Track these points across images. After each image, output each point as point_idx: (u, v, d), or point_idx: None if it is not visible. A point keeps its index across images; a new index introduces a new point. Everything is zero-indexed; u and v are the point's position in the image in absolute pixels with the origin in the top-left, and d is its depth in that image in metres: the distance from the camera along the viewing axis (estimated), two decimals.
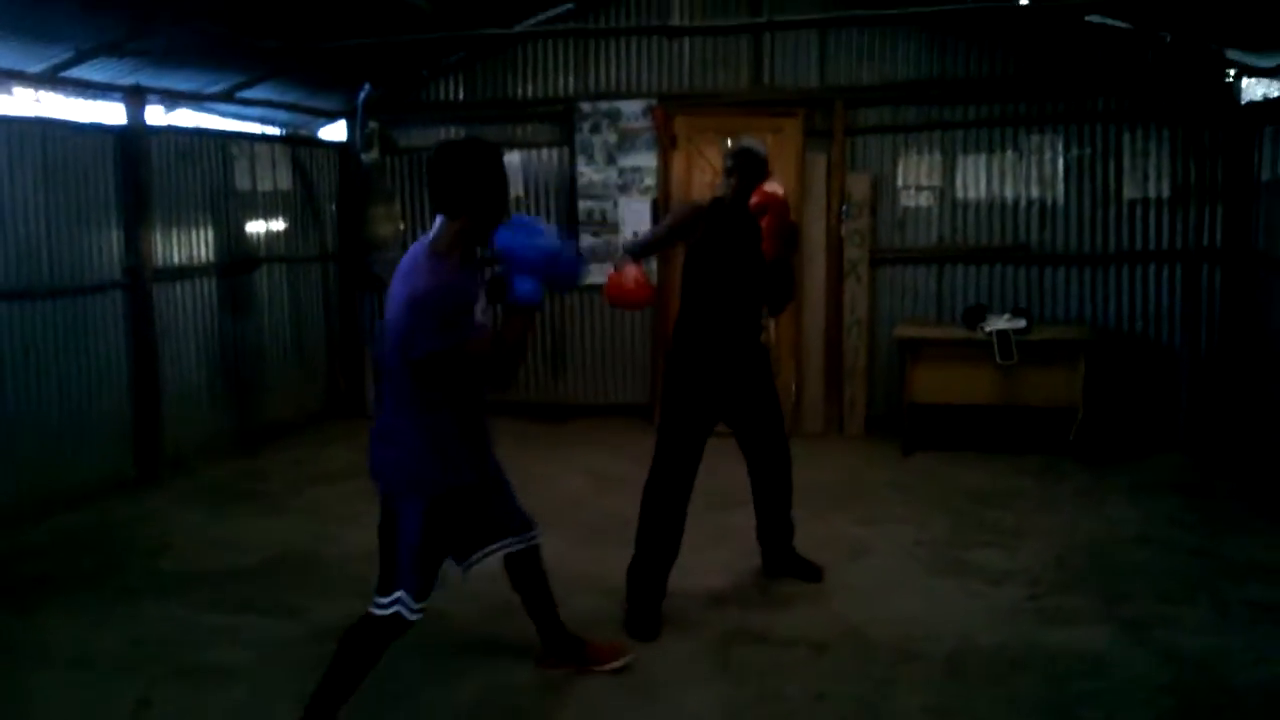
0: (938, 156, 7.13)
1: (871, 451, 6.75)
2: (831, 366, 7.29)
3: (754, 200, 3.94)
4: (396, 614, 2.96)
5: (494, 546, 3.24)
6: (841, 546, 4.79)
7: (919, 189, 7.18)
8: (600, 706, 3.41)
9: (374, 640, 3.00)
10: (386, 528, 3.00)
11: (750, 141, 4.22)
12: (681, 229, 4.17)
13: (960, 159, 7.10)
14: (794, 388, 7.16)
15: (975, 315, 6.64)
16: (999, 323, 6.45)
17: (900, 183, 7.21)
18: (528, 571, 3.47)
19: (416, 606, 2.98)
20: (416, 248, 2.95)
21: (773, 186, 3.98)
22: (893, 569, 4.63)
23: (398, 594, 2.95)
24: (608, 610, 4.08)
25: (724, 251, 4.07)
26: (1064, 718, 3.28)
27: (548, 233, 2.85)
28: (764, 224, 3.95)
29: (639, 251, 4.21)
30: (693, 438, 4.06)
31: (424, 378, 2.85)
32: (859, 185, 7.16)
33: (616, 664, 3.62)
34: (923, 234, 7.19)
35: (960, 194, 7.12)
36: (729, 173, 4.12)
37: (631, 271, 3.97)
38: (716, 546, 4.74)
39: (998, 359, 6.29)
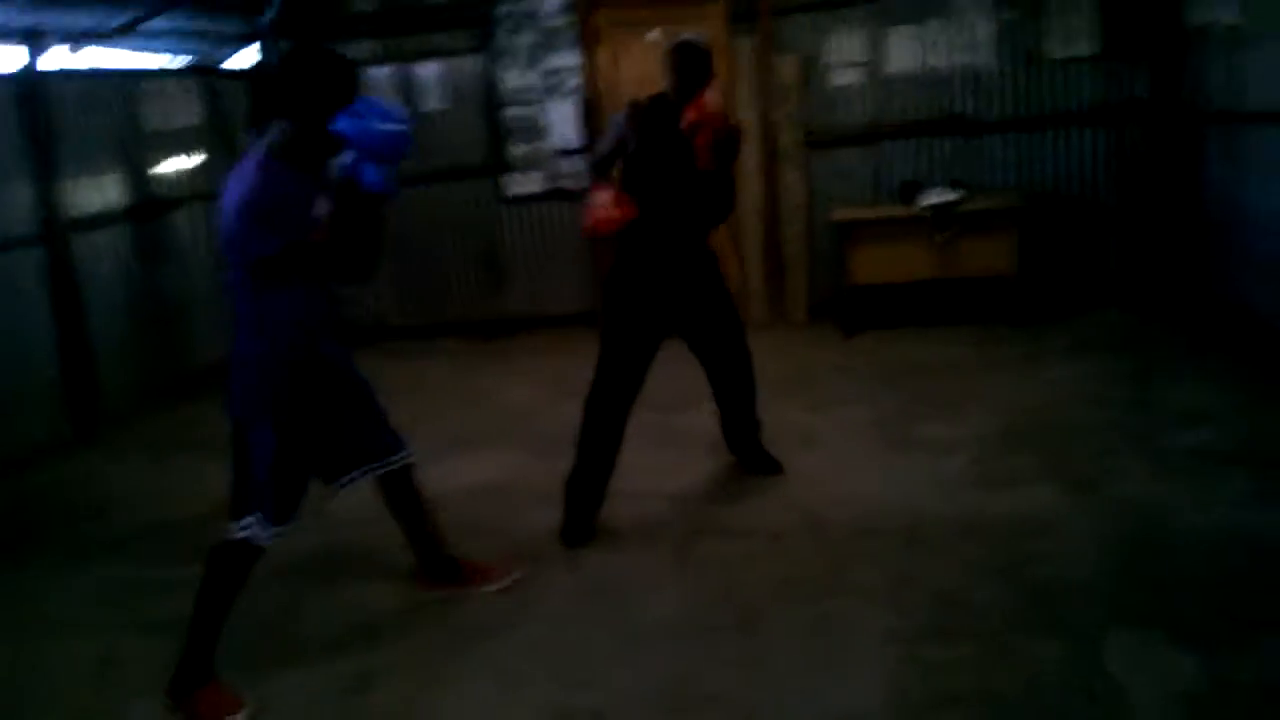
0: (865, 32, 7.00)
1: (815, 336, 6.78)
2: (771, 255, 7.26)
3: (689, 118, 3.77)
4: (247, 539, 2.96)
5: (365, 468, 3.24)
6: (791, 433, 4.83)
7: (849, 66, 7.07)
8: (564, 613, 3.44)
9: (230, 566, 2.99)
10: (239, 449, 2.99)
11: (691, 35, 3.99)
12: (628, 136, 3.99)
13: (889, 31, 6.97)
14: (734, 278, 7.13)
15: (911, 191, 6.63)
16: (934, 197, 6.44)
17: (830, 62, 7.08)
18: (401, 492, 3.42)
19: (271, 530, 2.97)
20: (253, 150, 2.88)
21: (710, 100, 3.82)
22: (843, 451, 4.69)
23: (249, 518, 2.95)
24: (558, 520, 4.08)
25: (662, 156, 3.92)
26: (1017, 577, 3.36)
27: (396, 115, 2.75)
28: (699, 141, 3.80)
29: (598, 171, 4.09)
30: (636, 351, 3.97)
31: (261, 281, 2.84)
32: (788, 68, 7.04)
33: (497, 585, 3.59)
34: (855, 113, 7.10)
35: (891, 68, 7.02)
36: (669, 71, 3.90)
37: (602, 195, 3.88)
38: (667, 447, 4.77)
39: (934, 232, 6.30)
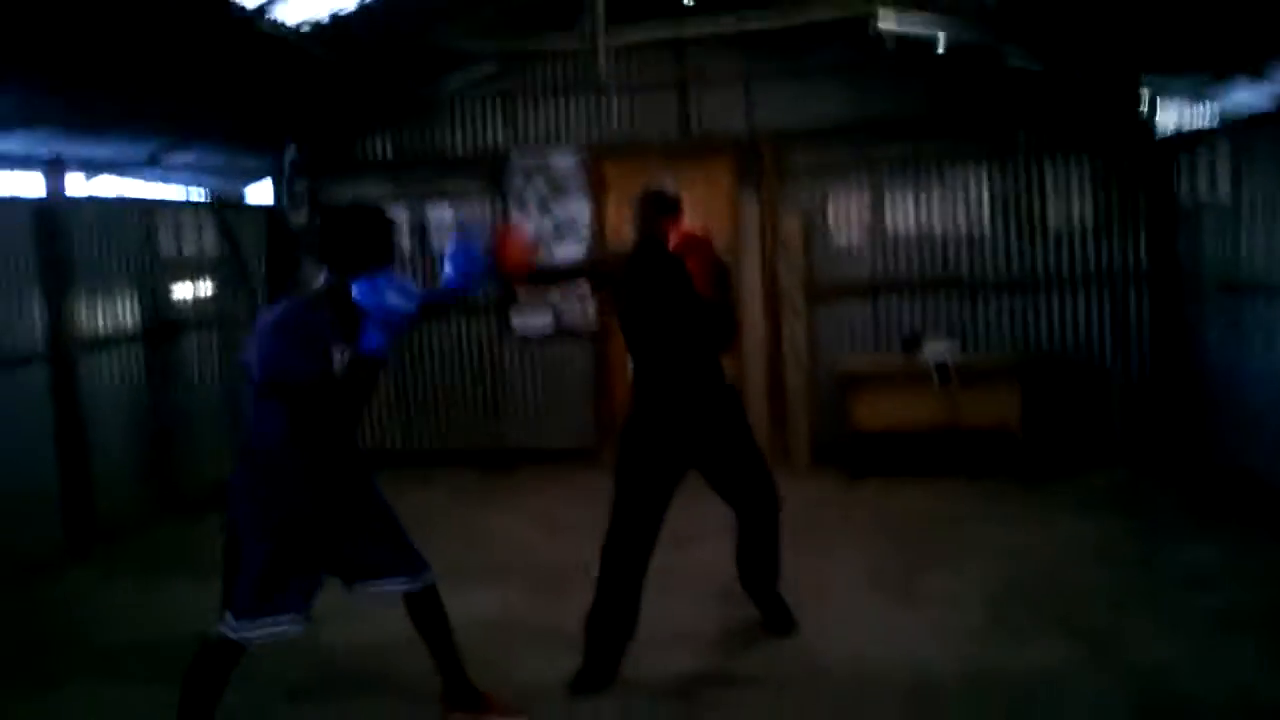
0: (867, 194, 7.24)
1: (819, 481, 6.74)
2: (775, 401, 7.32)
3: (674, 243, 3.83)
4: (227, 637, 3.05)
5: (385, 581, 3.34)
6: (795, 578, 4.73)
7: (850, 226, 7.28)
8: None
9: (210, 663, 3.07)
10: (231, 549, 3.11)
11: (656, 183, 4.04)
12: (593, 270, 4.11)
13: (889, 195, 7.21)
14: None
15: (912, 343, 6.73)
16: (937, 348, 6.54)
17: (832, 221, 7.30)
18: (426, 613, 3.46)
19: (253, 632, 3.04)
20: (306, 290, 3.23)
21: (690, 225, 3.87)
22: (847, 599, 4.61)
23: (230, 617, 3.06)
24: (560, 664, 3.95)
25: (655, 297, 3.90)
26: None
27: (408, 292, 3.01)
28: (691, 266, 3.80)
29: (540, 275, 4.21)
30: (655, 496, 3.86)
31: (276, 401, 3.04)
32: (791, 224, 7.24)
33: None
34: (856, 269, 7.28)
35: (891, 229, 7.23)
36: (640, 216, 3.98)
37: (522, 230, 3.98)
38: (669, 588, 4.67)
39: (936, 383, 6.37)
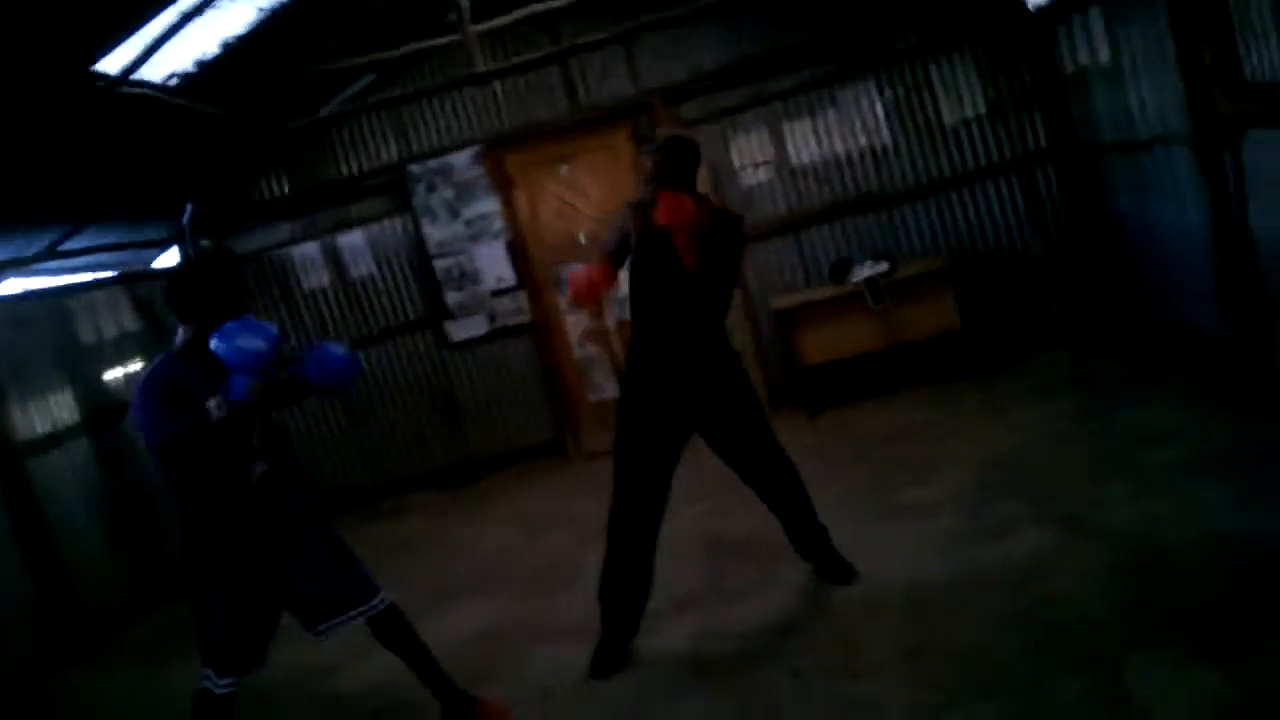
0: (766, 131, 7.29)
1: (781, 421, 6.78)
2: None
3: (657, 221, 3.69)
4: (208, 689, 3.19)
5: (341, 617, 3.39)
6: (775, 520, 4.83)
7: (756, 166, 7.34)
8: None
9: (200, 711, 3.21)
10: (193, 596, 3.23)
11: (672, 130, 3.96)
12: (629, 232, 3.85)
13: (787, 128, 7.27)
14: None
15: (841, 269, 6.81)
16: (864, 271, 6.63)
17: (737, 164, 7.35)
18: (393, 634, 3.51)
19: (225, 681, 3.19)
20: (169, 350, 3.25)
21: (674, 199, 3.67)
22: (833, 528, 4.66)
23: (208, 669, 3.21)
24: (565, 654, 4.03)
25: (655, 258, 3.80)
26: (1031, 623, 3.38)
27: (262, 333, 3.06)
28: (677, 242, 3.71)
29: (613, 264, 3.93)
30: (652, 459, 3.85)
31: (165, 465, 3.15)
32: (698, 176, 7.25)
33: None
34: (770, 207, 7.34)
35: (796, 161, 7.29)
36: (652, 171, 3.82)
37: (578, 267, 3.84)
38: (666, 550, 4.73)
39: (871, 305, 6.47)
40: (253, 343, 3.02)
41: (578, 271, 3.84)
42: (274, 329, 3.12)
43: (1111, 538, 3.83)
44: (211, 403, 3.10)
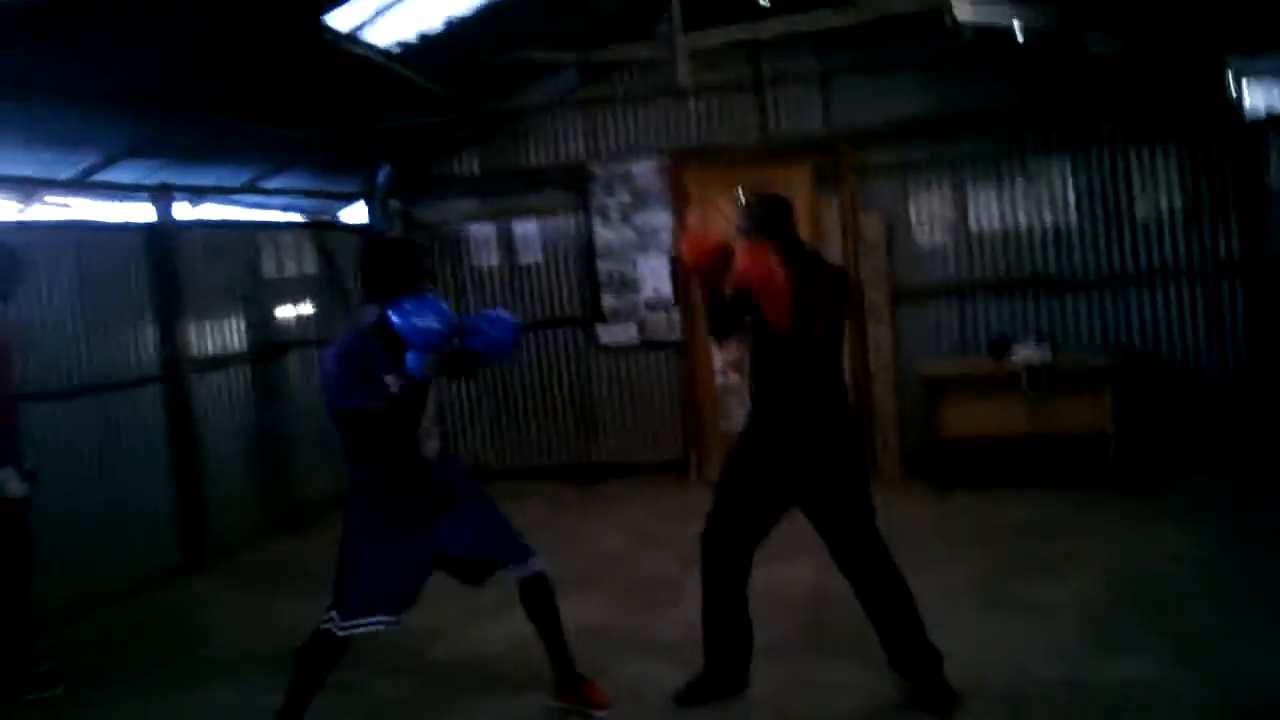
0: (949, 191, 7.20)
1: (909, 491, 6.71)
2: (860, 409, 7.29)
3: (732, 282, 3.56)
4: (329, 629, 3.36)
5: (497, 570, 3.63)
6: None
7: (933, 225, 7.24)
8: None
9: (314, 652, 3.42)
10: (340, 553, 3.44)
11: (760, 193, 3.83)
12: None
13: (972, 192, 7.16)
14: None
15: (1000, 347, 6.66)
16: (1025, 353, 6.46)
17: (914, 220, 7.26)
18: (536, 600, 3.69)
19: (345, 624, 3.35)
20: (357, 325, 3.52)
21: (749, 252, 3.52)
22: (943, 609, 4.55)
23: (332, 612, 3.38)
24: (656, 671, 4.07)
25: (744, 308, 3.69)
26: None
27: (438, 314, 3.23)
28: (762, 304, 3.49)
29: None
30: (741, 522, 3.76)
31: (344, 431, 3.37)
32: (872, 225, 7.23)
33: (599, 712, 3.75)
34: (940, 269, 7.23)
35: (975, 227, 7.17)
36: (746, 234, 3.69)
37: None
38: (763, 600, 4.73)
39: (1026, 390, 6.30)
40: (429, 321, 3.21)
41: (698, 236, 3.79)
42: (448, 308, 3.31)
43: (1230, 679, 3.65)
44: (390, 378, 3.30)
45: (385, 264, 3.46)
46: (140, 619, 5.39)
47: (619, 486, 7.56)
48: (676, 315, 7.65)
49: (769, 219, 3.70)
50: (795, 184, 7.30)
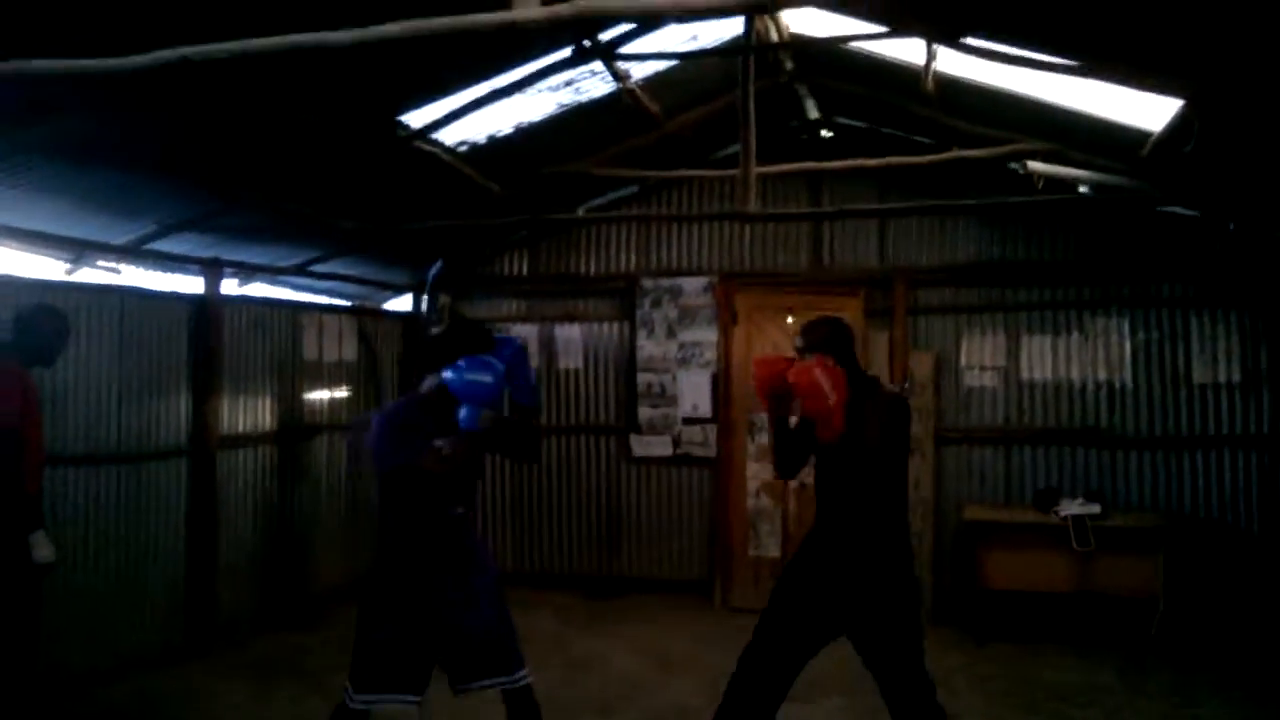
0: (1001, 337, 7.09)
1: (943, 640, 6.39)
2: None
3: (789, 382, 3.54)
4: (341, 701, 3.42)
5: (483, 680, 3.52)
6: None
7: (983, 369, 7.12)
8: None
9: None
10: (359, 618, 3.51)
11: (818, 317, 3.85)
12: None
13: (1024, 340, 7.05)
14: None
15: (1048, 498, 6.47)
16: (1073, 507, 6.26)
17: (964, 362, 7.15)
18: (519, 713, 3.58)
19: (357, 698, 3.39)
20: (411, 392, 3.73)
21: (804, 364, 3.55)
22: None
23: (348, 683, 3.42)
24: None
25: (806, 426, 3.65)
26: None
27: (490, 369, 3.39)
28: (809, 409, 3.50)
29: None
30: (786, 636, 3.67)
31: (383, 490, 3.46)
32: (922, 364, 7.11)
33: None
34: (988, 414, 7.07)
35: (1025, 375, 7.03)
36: (804, 352, 3.70)
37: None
38: None
39: (1074, 545, 6.07)
40: (482, 376, 3.36)
41: (770, 360, 3.77)
42: (500, 365, 3.44)
43: None
44: (441, 442, 3.37)
45: (453, 347, 3.50)
46: (133, 704, 5.16)
47: (638, 602, 7.31)
48: (713, 433, 7.50)
49: (828, 337, 3.72)
50: (846, 315, 7.19)
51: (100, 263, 6.21)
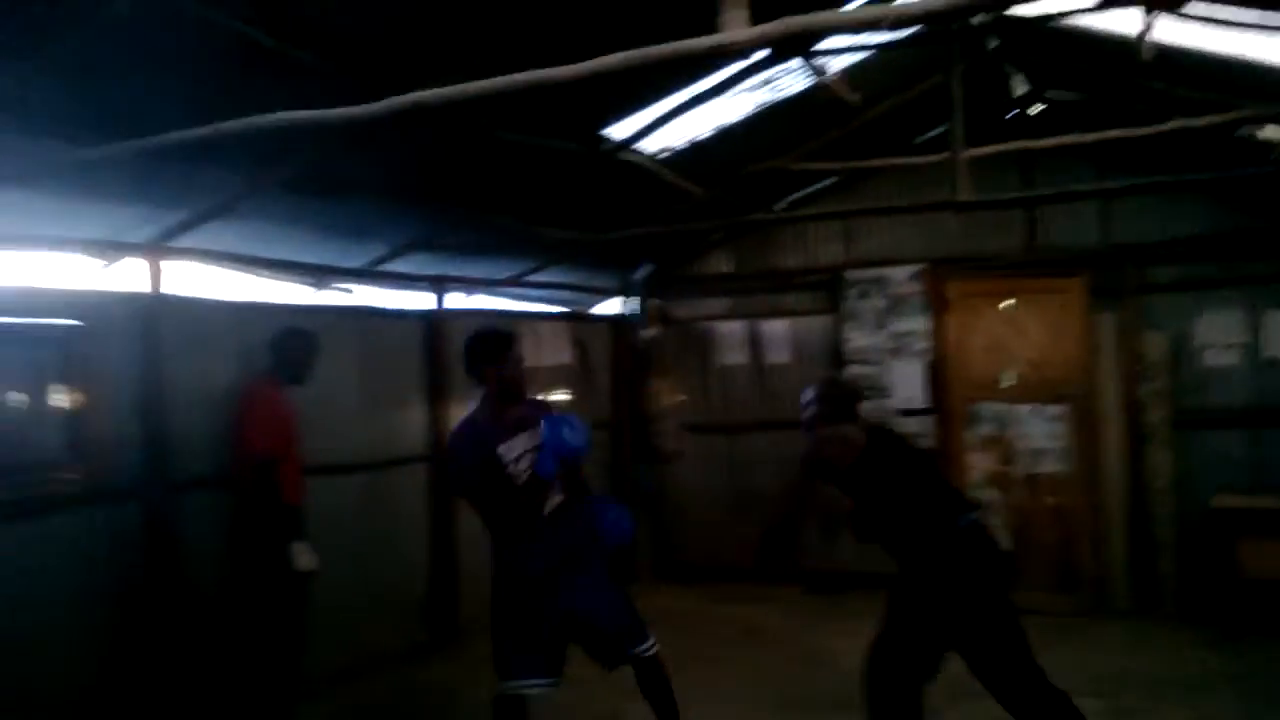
0: (1240, 313, 6.62)
1: (1192, 635, 6.05)
2: (1135, 538, 6.73)
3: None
4: (502, 693, 3.76)
5: (625, 654, 3.89)
6: None
7: (1223, 347, 6.67)
8: None
9: (498, 709, 3.77)
10: (492, 613, 3.87)
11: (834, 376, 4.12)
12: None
13: (1266, 315, 6.56)
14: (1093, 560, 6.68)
15: None
16: None
17: (1199, 341, 6.72)
18: (655, 685, 3.93)
19: (503, 684, 3.74)
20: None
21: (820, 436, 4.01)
22: None
23: (499, 677, 3.77)
24: None
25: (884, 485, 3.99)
26: None
27: (579, 431, 3.69)
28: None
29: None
30: (920, 646, 3.76)
31: (472, 506, 3.86)
32: (1154, 345, 6.73)
33: None
34: (1229, 394, 6.63)
35: (1267, 352, 6.55)
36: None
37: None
38: None
39: None
40: (575, 439, 3.67)
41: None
42: (586, 432, 3.72)
43: None
44: (510, 460, 3.76)
45: (483, 351, 3.92)
46: (396, 692, 5.55)
47: (864, 597, 7.20)
48: (931, 423, 7.35)
49: (832, 402, 4.17)
50: (1069, 295, 6.94)
51: (335, 285, 6.70)
